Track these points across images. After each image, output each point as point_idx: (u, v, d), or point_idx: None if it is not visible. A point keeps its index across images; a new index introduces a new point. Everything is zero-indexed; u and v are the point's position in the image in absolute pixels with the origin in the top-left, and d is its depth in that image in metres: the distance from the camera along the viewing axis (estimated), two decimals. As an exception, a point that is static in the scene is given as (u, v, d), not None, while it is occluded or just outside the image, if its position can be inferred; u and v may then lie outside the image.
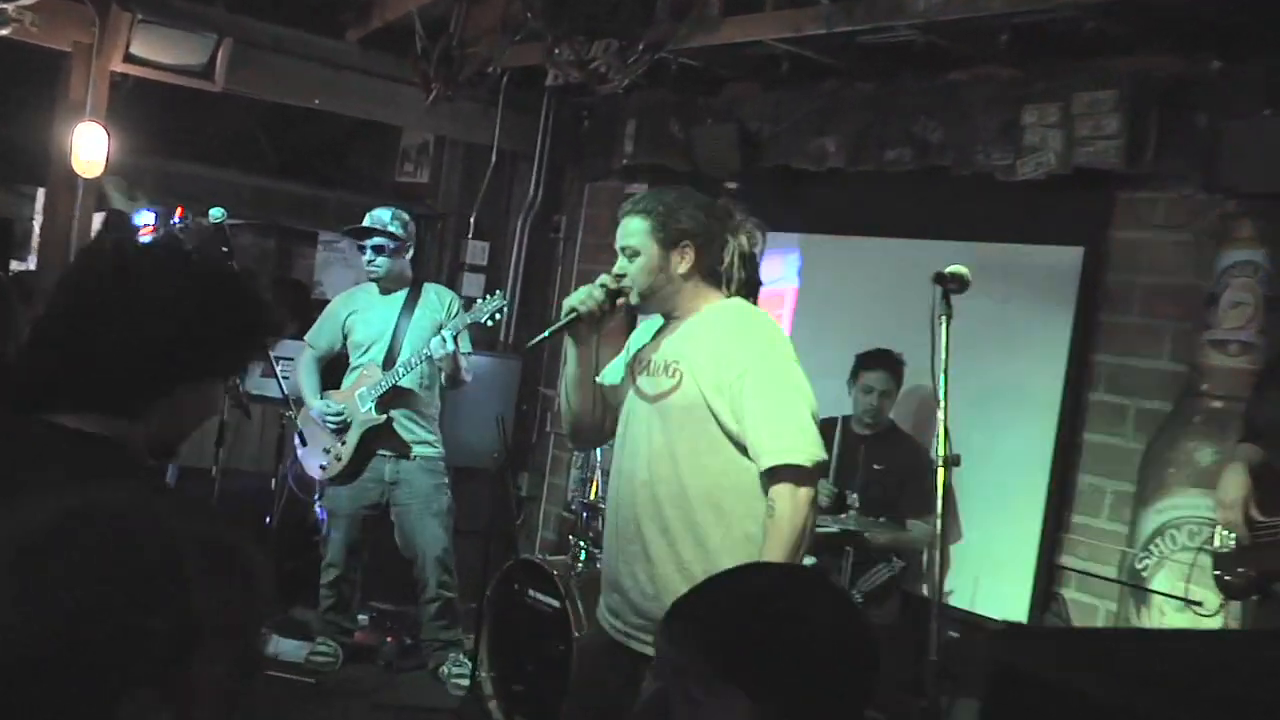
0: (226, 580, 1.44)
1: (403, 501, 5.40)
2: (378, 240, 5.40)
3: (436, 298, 5.54)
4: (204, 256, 1.73)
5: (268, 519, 5.44)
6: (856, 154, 5.57)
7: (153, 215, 5.70)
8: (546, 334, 3.27)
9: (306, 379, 5.52)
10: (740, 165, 5.92)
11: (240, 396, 5.16)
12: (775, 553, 2.91)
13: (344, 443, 5.38)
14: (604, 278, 3.21)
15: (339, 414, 5.36)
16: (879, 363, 5.09)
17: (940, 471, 3.04)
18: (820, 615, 1.60)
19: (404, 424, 5.38)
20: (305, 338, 5.61)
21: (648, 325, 3.40)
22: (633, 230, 3.19)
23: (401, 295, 5.48)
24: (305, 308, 6.92)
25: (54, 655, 1.28)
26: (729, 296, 3.21)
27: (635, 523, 3.16)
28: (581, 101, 6.95)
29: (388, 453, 5.38)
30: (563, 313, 3.20)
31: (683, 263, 3.15)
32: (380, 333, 5.43)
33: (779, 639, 1.57)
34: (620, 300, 3.19)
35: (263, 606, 1.58)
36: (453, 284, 6.82)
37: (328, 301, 5.92)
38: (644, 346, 3.32)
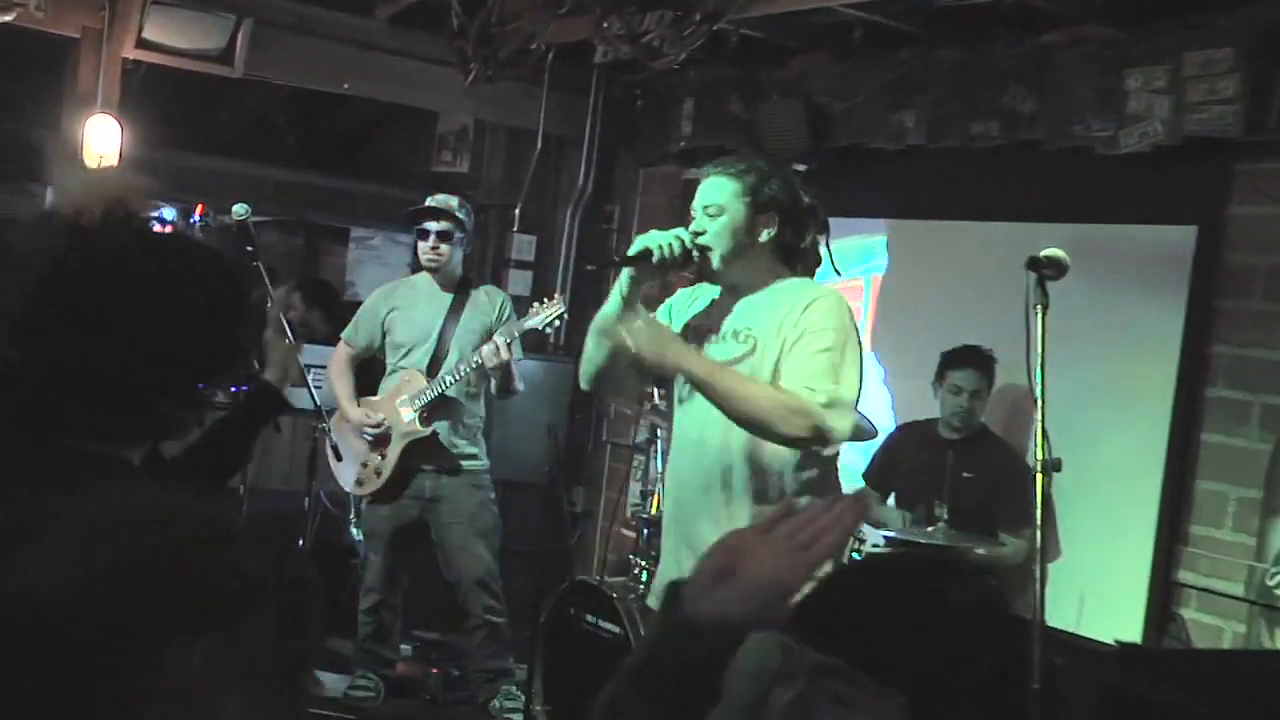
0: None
1: (445, 520, 5.40)
2: (443, 225, 5.37)
3: (487, 299, 5.52)
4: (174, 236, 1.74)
5: (300, 541, 5.45)
6: (938, 129, 5.56)
7: (172, 213, 5.81)
8: (615, 260, 3.44)
9: (341, 382, 5.52)
10: (809, 145, 5.91)
11: None
12: (755, 387, 3.13)
13: (384, 456, 5.38)
14: (681, 231, 3.30)
15: (379, 425, 5.37)
16: (967, 360, 5.08)
17: (1038, 478, 3.01)
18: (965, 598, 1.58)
19: (448, 436, 5.37)
20: (342, 335, 5.62)
21: (687, 294, 3.55)
22: (719, 187, 3.30)
23: (449, 294, 5.47)
24: (336, 310, 6.96)
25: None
26: (796, 274, 3.37)
27: (711, 488, 3.29)
28: (634, 79, 6.96)
29: (429, 467, 5.39)
30: (634, 247, 3.31)
31: (765, 231, 3.29)
32: (424, 334, 5.42)
33: (930, 629, 1.54)
34: (692, 259, 3.30)
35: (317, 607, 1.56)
36: (497, 281, 6.85)
37: (360, 302, 5.91)
38: (701, 314, 3.44)
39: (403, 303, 5.51)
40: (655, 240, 3.26)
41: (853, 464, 5.50)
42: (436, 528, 5.43)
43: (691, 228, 3.31)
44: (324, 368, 5.68)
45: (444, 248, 5.36)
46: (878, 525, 5.23)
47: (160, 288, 1.64)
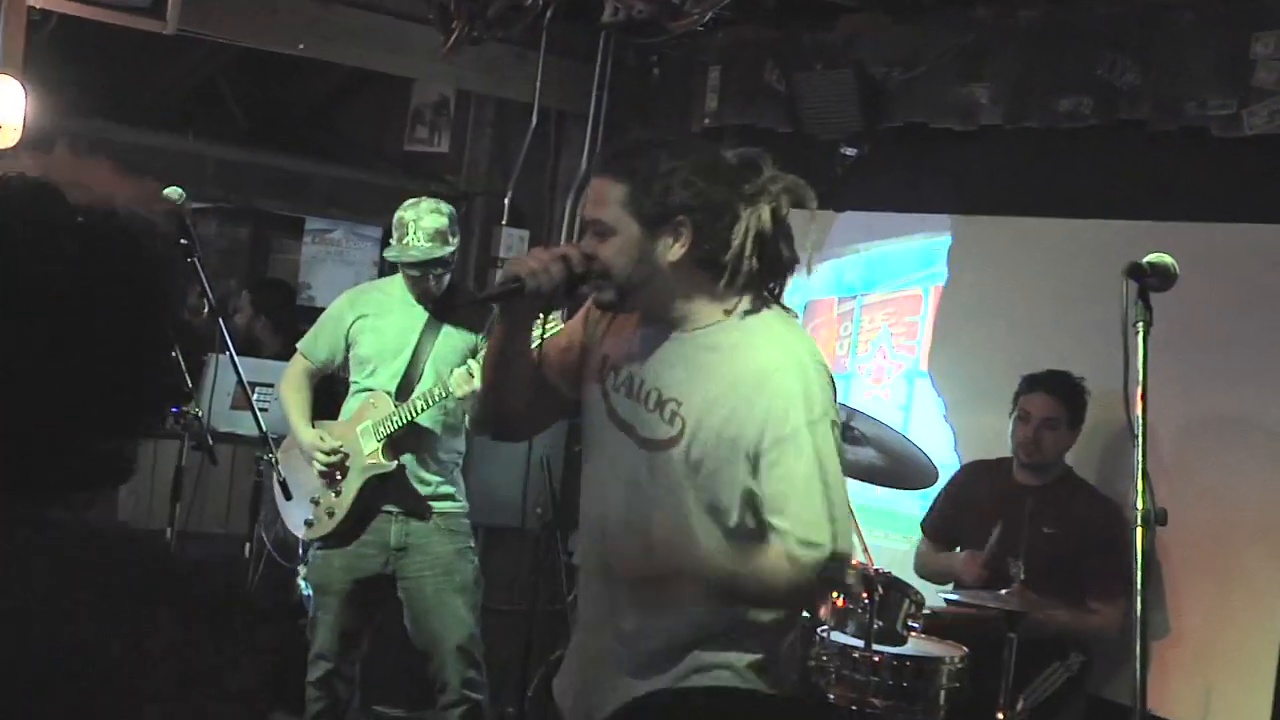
0: None
1: (414, 573, 5.35)
2: (435, 271, 5.30)
3: (464, 326, 5.43)
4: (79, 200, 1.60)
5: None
6: (1019, 106, 5.55)
7: None
8: (469, 304, 3.21)
9: (295, 398, 5.50)
10: (860, 124, 5.92)
11: (203, 435, 5.07)
12: (750, 582, 2.98)
13: (338, 492, 5.36)
14: (570, 250, 3.05)
15: (334, 452, 5.34)
16: (1040, 384, 5.11)
17: (1138, 533, 2.94)
18: None
19: (417, 472, 5.35)
20: (299, 346, 5.59)
21: None
22: (604, 198, 3.01)
23: (428, 305, 5.45)
24: (288, 317, 7.00)
25: None
26: (739, 296, 3.02)
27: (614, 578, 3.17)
28: (649, 43, 6.91)
29: (395, 509, 5.35)
30: (502, 278, 3.11)
31: (673, 248, 2.96)
32: (396, 349, 5.40)
33: None
34: (584, 289, 3.04)
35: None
36: (482, 285, 6.80)
37: (318, 308, 5.88)
38: (613, 336, 3.20)
39: (373, 310, 5.48)
40: (528, 269, 2.99)
41: (908, 510, 5.74)
42: (404, 582, 5.38)
43: (584, 246, 3.05)
44: (272, 386, 5.66)
45: (436, 280, 5.32)
46: (941, 581, 5.28)
47: (89, 287, 1.55)
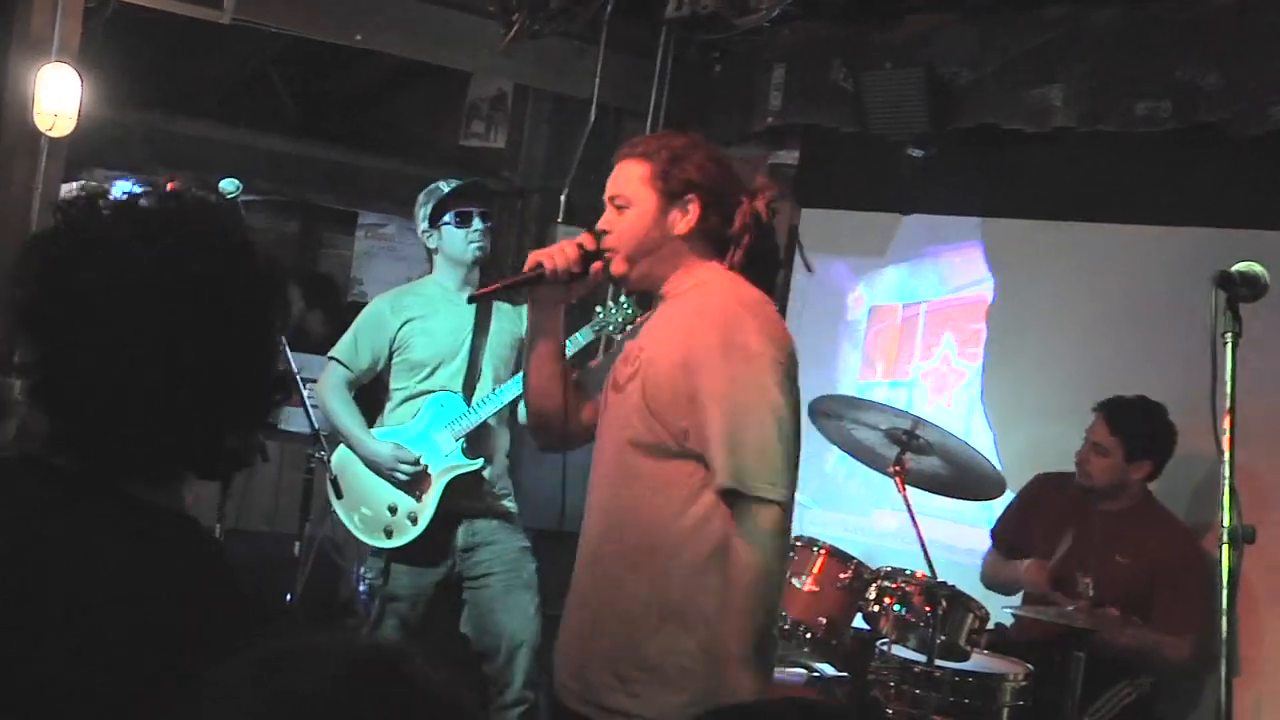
0: None
1: (483, 571, 5.37)
2: (486, 204, 5.40)
3: (513, 307, 5.43)
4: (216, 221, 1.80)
5: (289, 596, 5.44)
6: (1093, 108, 5.49)
7: (138, 188, 5.66)
8: (496, 287, 3.59)
9: (346, 409, 5.46)
10: (927, 125, 5.91)
11: None
12: (737, 610, 3.13)
13: (420, 498, 5.35)
14: (584, 234, 3.41)
15: (416, 461, 5.34)
16: (1101, 408, 5.10)
17: (1224, 550, 2.99)
18: None
19: (492, 474, 5.40)
20: (334, 355, 5.53)
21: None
22: (627, 176, 3.38)
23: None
24: (339, 312, 7.03)
25: None
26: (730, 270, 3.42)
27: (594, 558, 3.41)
28: (712, 39, 6.84)
29: (469, 510, 5.38)
30: (527, 264, 3.40)
31: (683, 220, 3.33)
32: (451, 349, 5.40)
33: None
34: (596, 266, 3.37)
35: None
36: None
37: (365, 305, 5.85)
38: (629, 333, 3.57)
39: (419, 311, 5.46)
40: (547, 251, 3.37)
41: (974, 516, 5.75)
42: (471, 582, 5.40)
43: (599, 224, 3.40)
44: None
45: (487, 241, 5.41)
46: (1007, 590, 5.27)
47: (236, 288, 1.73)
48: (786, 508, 3.19)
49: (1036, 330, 5.88)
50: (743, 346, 3.20)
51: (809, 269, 6.73)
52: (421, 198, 5.47)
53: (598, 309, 5.26)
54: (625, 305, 5.17)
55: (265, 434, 5.16)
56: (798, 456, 3.20)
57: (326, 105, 7.93)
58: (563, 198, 7.23)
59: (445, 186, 5.43)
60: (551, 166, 7.36)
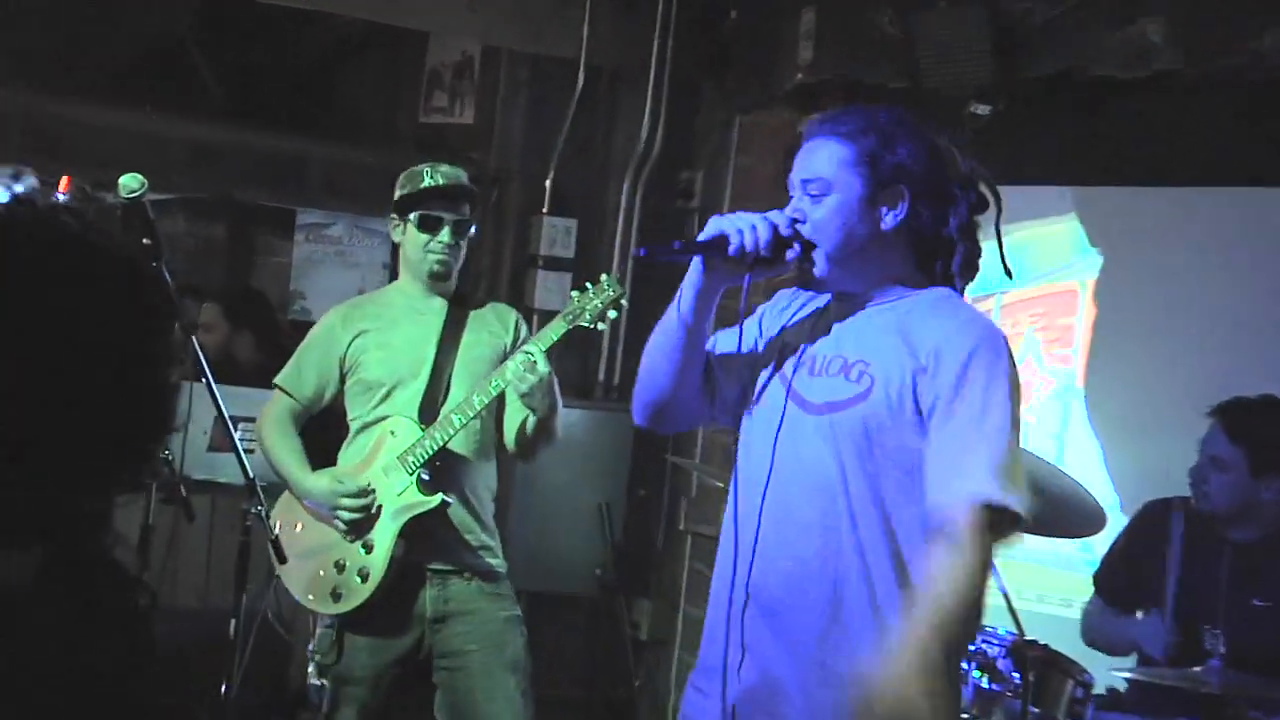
0: None
1: (456, 647, 5.27)
2: (461, 213, 5.38)
3: (495, 316, 5.51)
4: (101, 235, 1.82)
5: (224, 686, 5.34)
6: (1203, 45, 5.48)
7: (24, 184, 5.63)
8: (677, 246, 3.65)
9: (285, 444, 5.42)
10: (994, 75, 5.90)
11: (175, 484, 5.09)
12: (934, 616, 3.23)
13: (369, 548, 5.28)
14: (777, 214, 3.40)
15: (363, 493, 5.30)
16: (1215, 414, 5.11)
17: None
18: None
19: (458, 513, 5.28)
20: (279, 382, 5.50)
21: (786, 298, 3.71)
22: (825, 159, 3.41)
23: (439, 309, 5.41)
24: (273, 334, 7.13)
25: None
26: (939, 284, 3.51)
27: (792, 585, 3.44)
28: (725, -19, 7.06)
29: (434, 566, 5.29)
30: (706, 231, 3.43)
31: (890, 214, 3.40)
32: (412, 367, 5.35)
33: None
34: (789, 255, 3.40)
35: None
36: (518, 288, 7.00)
37: (313, 324, 5.78)
38: (795, 328, 3.61)
39: (374, 324, 5.41)
40: (735, 224, 3.38)
41: (1071, 557, 5.87)
42: (443, 660, 5.31)
43: (789, 210, 3.42)
44: (254, 421, 5.59)
45: (460, 246, 5.38)
46: (1118, 652, 5.30)
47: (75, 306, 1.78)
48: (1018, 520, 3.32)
49: (1144, 323, 5.95)
50: (992, 348, 3.33)
51: None
52: (401, 179, 5.50)
53: (572, 294, 5.28)
54: (608, 288, 5.18)
55: (190, 489, 5.12)
56: None
57: (257, 82, 7.94)
58: (547, 184, 7.29)
59: (428, 176, 5.44)
60: (532, 145, 7.45)
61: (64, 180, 5.47)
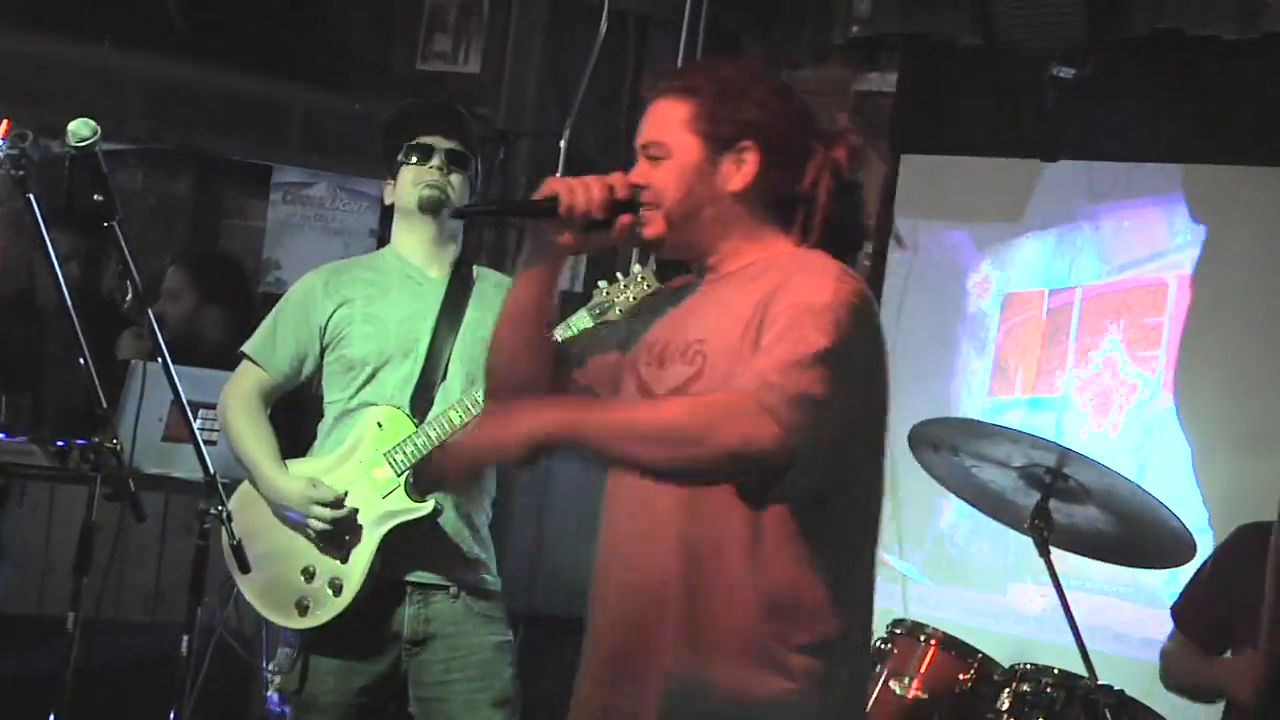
0: None
1: (437, 676, 5.31)
2: (453, 143, 5.39)
3: (497, 290, 5.28)
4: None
5: (172, 712, 5.34)
6: None
7: None
8: (493, 207, 3.67)
9: (252, 430, 5.43)
10: (1084, 35, 5.91)
11: (123, 479, 4.96)
12: (622, 414, 3.41)
13: (344, 557, 5.30)
14: (617, 176, 3.49)
15: (339, 504, 5.33)
16: None
17: None
18: None
19: (450, 521, 5.31)
20: (247, 350, 5.49)
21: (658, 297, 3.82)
22: (662, 119, 3.54)
23: (440, 281, 5.41)
24: (245, 306, 7.12)
25: None
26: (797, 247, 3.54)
27: (641, 606, 3.44)
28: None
29: (417, 579, 5.31)
30: (540, 191, 3.49)
31: (737, 174, 3.48)
32: (404, 345, 5.36)
33: None
34: (624, 220, 3.49)
35: None
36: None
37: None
38: (643, 319, 3.73)
39: (362, 292, 5.41)
40: (568, 183, 3.48)
41: (1153, 590, 5.96)
42: (421, 690, 5.35)
43: (631, 175, 3.52)
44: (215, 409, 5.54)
45: (454, 178, 5.36)
46: (1204, 697, 5.32)
47: None
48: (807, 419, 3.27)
49: (1245, 320, 6.01)
50: (838, 292, 3.37)
51: (900, 244, 7.09)
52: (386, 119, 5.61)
53: (600, 284, 5.30)
54: (642, 280, 5.25)
55: (140, 484, 5.28)
56: None
57: (229, 16, 7.88)
58: (562, 143, 7.36)
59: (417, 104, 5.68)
60: (546, 99, 7.66)
61: (2, 124, 5.52)
